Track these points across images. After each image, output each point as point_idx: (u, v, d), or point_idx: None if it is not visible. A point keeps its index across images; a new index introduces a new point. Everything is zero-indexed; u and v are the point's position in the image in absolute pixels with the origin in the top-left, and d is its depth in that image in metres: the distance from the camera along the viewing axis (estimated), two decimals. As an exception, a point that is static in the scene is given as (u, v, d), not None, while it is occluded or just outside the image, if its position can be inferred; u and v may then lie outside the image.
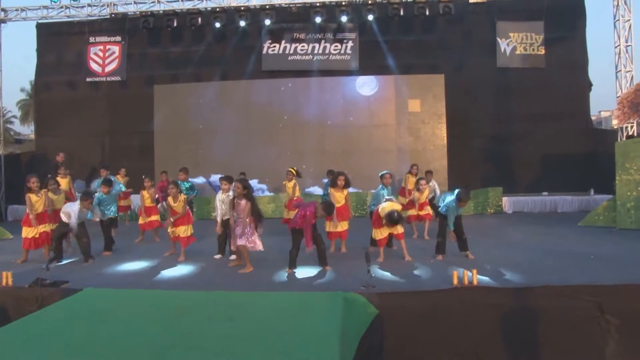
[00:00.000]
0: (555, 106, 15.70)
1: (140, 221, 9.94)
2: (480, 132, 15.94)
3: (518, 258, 7.41)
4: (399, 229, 7.54)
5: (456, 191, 7.46)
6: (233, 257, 7.85)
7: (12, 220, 15.51)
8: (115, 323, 4.85)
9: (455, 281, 5.64)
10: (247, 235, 7.04)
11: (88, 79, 16.89)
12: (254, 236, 7.09)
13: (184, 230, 8.13)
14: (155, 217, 10.02)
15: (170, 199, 8.17)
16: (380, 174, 8.81)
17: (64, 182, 11.31)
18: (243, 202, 7.04)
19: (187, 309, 5.15)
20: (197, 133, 16.04)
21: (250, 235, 7.05)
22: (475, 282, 5.63)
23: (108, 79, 16.86)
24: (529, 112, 15.81)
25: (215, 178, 13.90)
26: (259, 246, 7.13)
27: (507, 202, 14.72)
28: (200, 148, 15.98)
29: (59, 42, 17.17)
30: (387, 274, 6.61)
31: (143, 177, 10.25)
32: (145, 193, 9.87)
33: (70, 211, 7.62)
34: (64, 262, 7.88)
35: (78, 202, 7.84)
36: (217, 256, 8.12)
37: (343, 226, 8.39)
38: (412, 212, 10.11)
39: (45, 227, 8.04)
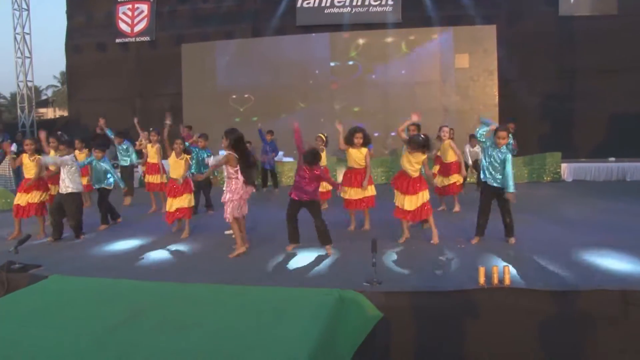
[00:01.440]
0: (627, 59, 13.66)
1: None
2: (536, 90, 14.20)
3: (573, 243, 6.07)
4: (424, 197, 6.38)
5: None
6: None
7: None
8: (65, 318, 4.14)
9: (482, 279, 4.51)
10: (234, 203, 5.99)
11: (117, 40, 16.31)
12: (245, 206, 6.13)
13: (188, 201, 7.29)
14: (155, 178, 9.30)
15: (173, 154, 7.40)
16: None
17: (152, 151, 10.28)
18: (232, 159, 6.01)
19: (143, 310, 4.24)
20: (226, 93, 15.17)
21: (241, 203, 6.05)
22: (507, 282, 4.48)
23: (137, 39, 16.22)
24: (595, 67, 13.88)
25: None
26: (244, 210, 6.20)
27: (567, 169, 13.03)
28: (230, 109, 15.14)
29: (87, 3, 16.61)
30: (400, 265, 5.54)
31: (150, 129, 9.46)
32: (150, 148, 9.13)
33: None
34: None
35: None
36: (228, 232, 7.18)
37: (361, 193, 7.19)
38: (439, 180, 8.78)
39: (35, 198, 7.38)
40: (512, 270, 4.96)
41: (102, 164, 7.86)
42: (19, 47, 16.42)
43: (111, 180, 8.00)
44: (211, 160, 7.03)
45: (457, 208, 8.57)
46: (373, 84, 14.58)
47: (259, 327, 3.79)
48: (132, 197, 10.26)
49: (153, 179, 9.39)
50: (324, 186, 8.19)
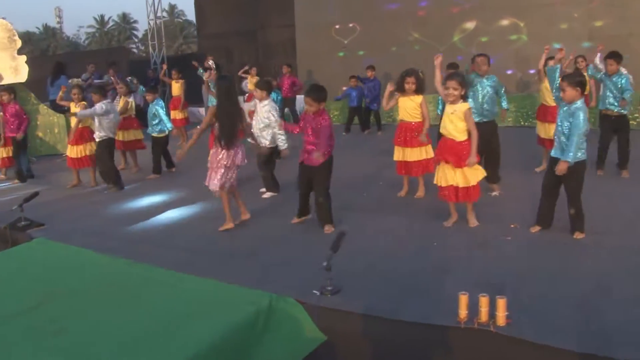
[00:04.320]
0: None
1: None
2: None
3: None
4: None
5: None
6: (266, 194, 6.28)
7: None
8: (18, 284, 4.20)
9: (463, 314, 3.14)
10: (219, 169, 5.03)
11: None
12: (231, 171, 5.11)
13: None
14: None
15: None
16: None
17: (176, 86, 10.87)
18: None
19: (86, 285, 4.09)
20: (331, 23, 13.76)
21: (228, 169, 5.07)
22: (501, 322, 3.05)
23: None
24: None
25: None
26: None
27: None
28: (333, 42, 13.81)
29: None
30: (385, 262, 4.27)
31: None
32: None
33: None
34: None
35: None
36: (267, 194, 6.47)
37: (416, 154, 5.92)
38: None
39: (83, 150, 7.36)
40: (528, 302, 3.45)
41: (154, 106, 7.70)
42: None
43: (160, 127, 7.76)
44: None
45: None
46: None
47: (161, 323, 3.37)
48: None
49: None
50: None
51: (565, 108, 4.40)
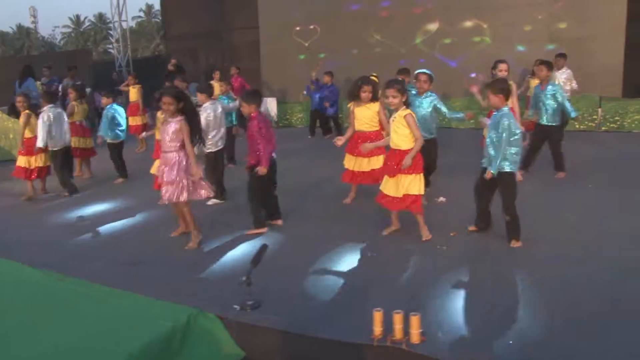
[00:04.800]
0: None
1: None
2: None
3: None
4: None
5: None
6: (210, 202, 6.10)
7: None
8: None
9: (377, 331, 3.07)
10: (180, 182, 4.75)
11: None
12: (198, 183, 4.89)
13: None
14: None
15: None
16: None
17: (133, 92, 10.68)
18: (175, 124, 4.72)
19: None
20: (291, 24, 13.44)
21: (192, 181, 4.81)
22: (415, 339, 2.99)
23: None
24: None
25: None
26: (204, 192, 4.97)
27: None
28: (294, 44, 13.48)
29: None
30: (318, 279, 4.19)
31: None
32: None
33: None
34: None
35: None
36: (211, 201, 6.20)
37: (366, 164, 5.76)
38: None
39: (37, 161, 7.03)
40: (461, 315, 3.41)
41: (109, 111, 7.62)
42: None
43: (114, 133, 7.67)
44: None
45: None
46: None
47: (78, 339, 3.30)
48: None
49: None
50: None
51: (494, 118, 4.40)
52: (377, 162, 5.68)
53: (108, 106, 7.67)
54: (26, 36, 68.90)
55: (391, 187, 4.74)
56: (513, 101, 6.23)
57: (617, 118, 10.27)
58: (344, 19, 12.79)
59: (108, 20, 68.04)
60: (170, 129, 4.72)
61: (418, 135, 4.64)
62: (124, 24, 16.32)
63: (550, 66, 6.74)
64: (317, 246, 4.77)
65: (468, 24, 11.97)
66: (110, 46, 65.25)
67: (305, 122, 12.15)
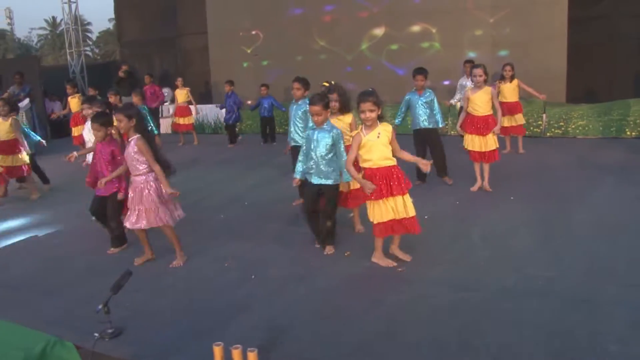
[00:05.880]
0: None
1: None
2: (629, 11, 10.55)
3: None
4: None
5: None
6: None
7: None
8: None
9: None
10: (153, 205, 4.48)
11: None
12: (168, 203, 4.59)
13: None
14: None
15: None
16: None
17: (73, 102, 10.47)
18: (135, 143, 4.43)
19: None
20: (234, 30, 13.33)
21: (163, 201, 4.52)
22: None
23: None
24: None
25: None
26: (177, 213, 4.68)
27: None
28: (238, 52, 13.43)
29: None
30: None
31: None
32: None
33: None
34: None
35: None
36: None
37: (350, 184, 4.93)
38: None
39: None
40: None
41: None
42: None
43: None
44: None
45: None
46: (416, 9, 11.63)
47: None
48: None
49: None
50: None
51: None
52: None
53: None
54: (2, 38, 67.87)
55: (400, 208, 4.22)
56: (496, 105, 6.35)
57: (561, 124, 10.30)
58: (285, 25, 12.47)
59: (85, 22, 67.60)
60: (132, 151, 4.44)
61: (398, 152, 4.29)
62: (75, 27, 15.97)
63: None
64: (207, 265, 4.63)
65: (415, 28, 11.71)
66: (88, 48, 64.74)
67: (255, 129, 12.13)
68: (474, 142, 6.31)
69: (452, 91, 10.53)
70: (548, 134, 10.32)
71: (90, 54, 62.55)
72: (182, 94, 11.72)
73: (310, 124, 4.79)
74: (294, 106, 6.03)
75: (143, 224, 4.49)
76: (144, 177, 4.45)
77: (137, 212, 4.49)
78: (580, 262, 4.24)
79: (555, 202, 5.88)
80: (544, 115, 10.29)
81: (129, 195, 4.57)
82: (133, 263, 4.70)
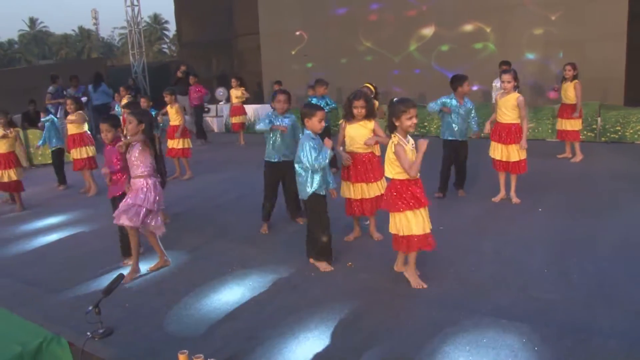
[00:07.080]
0: None
1: None
2: None
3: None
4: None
5: None
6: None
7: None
8: None
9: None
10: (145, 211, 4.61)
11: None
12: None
13: None
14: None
15: None
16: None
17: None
18: (139, 149, 4.59)
19: None
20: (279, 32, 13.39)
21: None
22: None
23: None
24: None
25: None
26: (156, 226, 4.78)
27: None
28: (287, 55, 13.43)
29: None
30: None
31: None
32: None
33: None
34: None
35: None
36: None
37: (368, 191, 4.97)
38: None
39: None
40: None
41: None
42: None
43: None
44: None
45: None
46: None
47: None
48: None
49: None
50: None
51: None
52: (383, 185, 4.91)
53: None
54: (87, 38, 72.23)
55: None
56: (522, 114, 5.93)
57: (618, 128, 9.65)
58: (329, 24, 12.17)
59: (163, 21, 70.65)
60: (135, 152, 4.60)
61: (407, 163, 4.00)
62: (138, 30, 16.77)
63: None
64: (207, 271, 4.73)
65: (468, 27, 11.26)
66: (165, 46, 67.59)
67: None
68: (495, 151, 6.06)
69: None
70: (603, 138, 9.70)
71: (167, 51, 65.31)
72: (237, 94, 11.91)
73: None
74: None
75: (124, 220, 4.55)
76: (143, 180, 4.61)
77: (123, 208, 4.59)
78: (588, 285, 3.99)
79: (585, 216, 5.54)
80: (599, 119, 9.69)
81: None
82: (147, 270, 4.86)
